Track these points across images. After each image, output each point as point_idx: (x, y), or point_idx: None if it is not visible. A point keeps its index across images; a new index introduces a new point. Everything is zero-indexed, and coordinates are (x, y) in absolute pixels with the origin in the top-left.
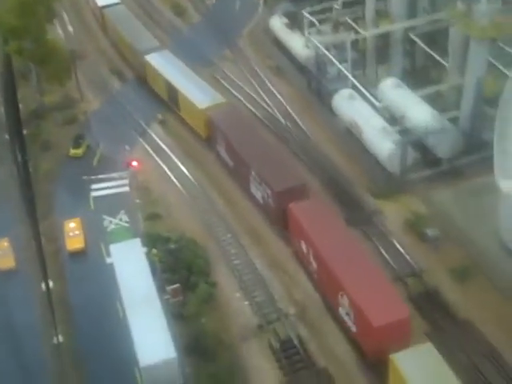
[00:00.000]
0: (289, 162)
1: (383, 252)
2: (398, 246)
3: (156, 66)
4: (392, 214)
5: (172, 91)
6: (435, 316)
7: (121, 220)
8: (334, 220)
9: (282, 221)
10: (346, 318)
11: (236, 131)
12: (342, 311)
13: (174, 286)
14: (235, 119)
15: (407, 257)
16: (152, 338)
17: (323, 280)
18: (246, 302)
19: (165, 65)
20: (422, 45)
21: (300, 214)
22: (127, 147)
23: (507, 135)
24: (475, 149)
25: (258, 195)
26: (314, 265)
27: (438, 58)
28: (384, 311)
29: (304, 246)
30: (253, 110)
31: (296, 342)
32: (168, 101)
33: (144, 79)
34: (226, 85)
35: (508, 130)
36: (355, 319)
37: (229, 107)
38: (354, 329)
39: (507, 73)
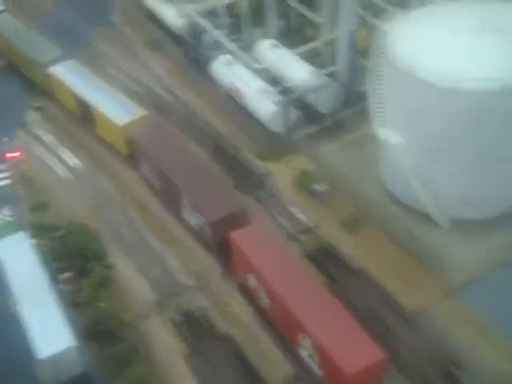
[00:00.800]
0: (222, 184)
1: (275, 214)
2: (288, 205)
3: (63, 79)
4: (280, 174)
5: (84, 107)
6: (331, 269)
7: (4, 215)
8: (281, 248)
9: (223, 250)
10: (308, 361)
11: (161, 150)
12: (303, 352)
13: (67, 274)
14: (159, 135)
15: (299, 215)
16: (48, 329)
17: (279, 318)
18: (144, 280)
19: (73, 77)
20: (295, 4)
21: (244, 243)
22: (6, 139)
23: (380, 85)
24: (354, 101)
25: (192, 221)
26: (267, 301)
27: (311, 16)
28: (356, 355)
29: (252, 281)
30: (134, 88)
31: (197, 313)
32: (81, 117)
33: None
34: (103, 65)
35: (380, 80)
36: (322, 364)
37: (151, 122)
38: (318, 373)
39: (376, 24)
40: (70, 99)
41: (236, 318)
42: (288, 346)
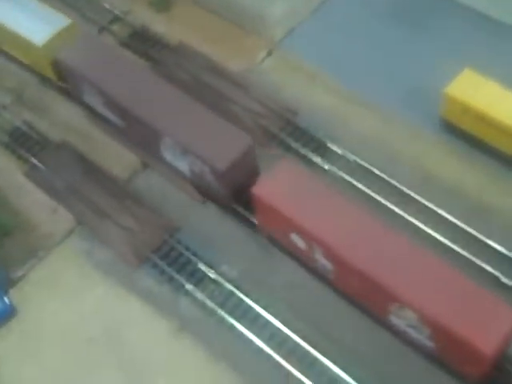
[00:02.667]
0: (211, 116)
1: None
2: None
3: None
4: None
5: None
6: (150, 51)
7: None
8: (329, 192)
9: (240, 203)
10: (407, 329)
11: (113, 77)
12: (396, 320)
13: None
14: (101, 55)
15: (105, 4)
16: None
17: (352, 284)
18: None
19: None
20: None
21: (277, 199)
22: None
23: None
24: None
25: (182, 166)
26: (328, 265)
27: None
28: (485, 323)
29: (300, 241)
30: None
31: (24, 127)
32: None
33: None
34: None
35: None
36: (438, 340)
37: (83, 36)
38: (427, 343)
39: None
40: None
41: (68, 124)
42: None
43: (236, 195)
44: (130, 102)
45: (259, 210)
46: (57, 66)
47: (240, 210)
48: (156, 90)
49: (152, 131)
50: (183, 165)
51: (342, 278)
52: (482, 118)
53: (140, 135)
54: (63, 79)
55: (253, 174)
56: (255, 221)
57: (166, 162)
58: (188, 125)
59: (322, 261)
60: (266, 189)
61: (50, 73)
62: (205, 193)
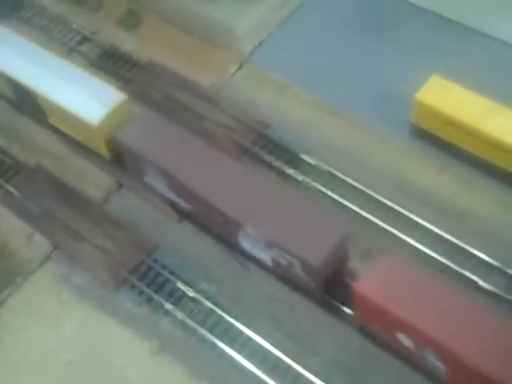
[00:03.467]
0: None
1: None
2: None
3: None
4: None
5: (26, 94)
6: (121, 71)
7: None
8: (433, 290)
9: (329, 292)
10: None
11: (179, 159)
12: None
13: None
14: (162, 135)
15: (73, 26)
16: None
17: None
18: None
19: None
20: None
21: (383, 296)
22: None
23: None
24: None
25: (263, 256)
26: (440, 366)
27: None
28: None
29: (408, 341)
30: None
31: None
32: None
33: None
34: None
35: None
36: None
37: (141, 114)
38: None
39: None
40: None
41: (41, 148)
42: None
43: (326, 286)
44: (202, 187)
45: (360, 306)
46: (113, 146)
47: (328, 299)
48: (230, 172)
49: (230, 220)
50: (265, 255)
51: (456, 379)
52: (451, 123)
53: (213, 220)
54: (121, 159)
55: (343, 261)
56: (350, 313)
57: (245, 251)
58: (272, 213)
59: (434, 361)
60: (369, 286)
61: (104, 152)
62: (289, 281)
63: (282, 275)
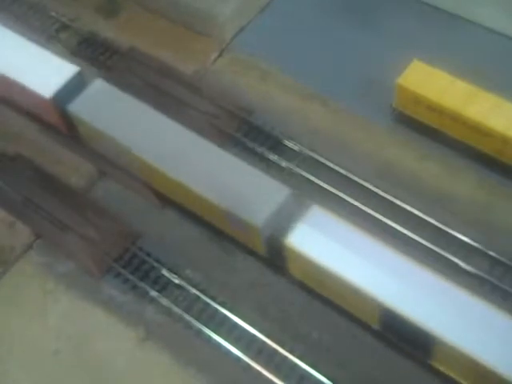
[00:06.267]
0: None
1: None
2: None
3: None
4: None
5: None
6: (101, 57)
7: None
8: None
9: None
10: None
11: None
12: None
13: None
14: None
15: (52, 13)
16: None
17: None
18: None
19: None
20: None
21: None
22: None
23: None
24: None
25: None
26: None
27: None
28: None
29: None
30: None
31: None
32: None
33: None
34: None
35: None
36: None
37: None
38: None
39: None
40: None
41: (20, 137)
42: None
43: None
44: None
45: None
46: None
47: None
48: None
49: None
50: None
51: None
52: (433, 107)
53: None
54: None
55: None
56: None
57: None
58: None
59: None
60: None
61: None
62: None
63: None
